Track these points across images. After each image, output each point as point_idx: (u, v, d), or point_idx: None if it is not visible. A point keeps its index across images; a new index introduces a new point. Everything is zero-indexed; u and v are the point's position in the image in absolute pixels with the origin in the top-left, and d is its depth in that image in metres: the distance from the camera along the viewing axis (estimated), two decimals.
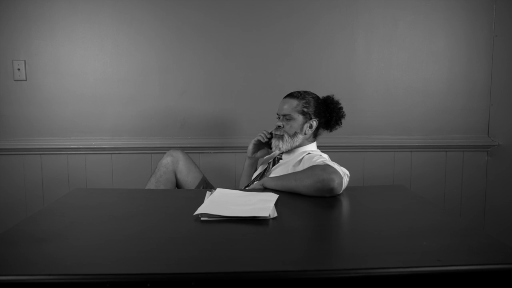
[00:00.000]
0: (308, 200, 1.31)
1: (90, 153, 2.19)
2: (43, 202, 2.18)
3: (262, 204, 1.19)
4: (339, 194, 1.31)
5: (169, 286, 0.74)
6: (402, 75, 2.22)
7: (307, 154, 1.57)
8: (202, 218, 1.07)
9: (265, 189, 1.41)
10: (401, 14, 2.19)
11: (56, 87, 2.15)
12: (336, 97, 1.70)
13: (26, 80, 2.13)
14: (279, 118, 1.67)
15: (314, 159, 1.47)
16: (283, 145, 1.62)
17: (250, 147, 1.76)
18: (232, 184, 2.21)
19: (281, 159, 1.67)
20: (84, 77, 2.15)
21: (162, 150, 2.19)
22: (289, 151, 1.66)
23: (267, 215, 1.06)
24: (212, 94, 2.19)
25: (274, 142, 1.65)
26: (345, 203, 1.26)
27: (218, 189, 1.36)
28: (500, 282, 0.77)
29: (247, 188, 1.54)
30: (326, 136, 2.12)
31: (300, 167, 1.51)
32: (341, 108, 1.69)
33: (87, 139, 2.18)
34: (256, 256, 0.83)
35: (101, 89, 2.16)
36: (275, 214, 1.09)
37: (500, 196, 2.29)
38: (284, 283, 0.75)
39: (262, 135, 1.73)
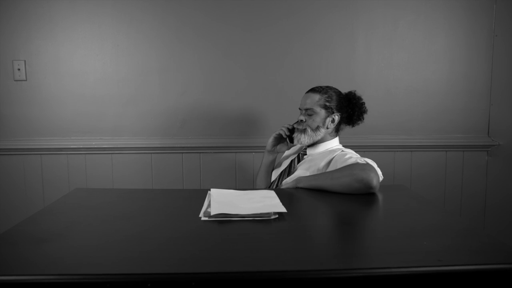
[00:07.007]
0: (308, 200, 1.31)
1: (90, 153, 2.19)
2: (43, 202, 2.18)
3: (270, 201, 1.19)
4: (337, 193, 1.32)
5: (169, 286, 0.74)
6: (402, 75, 2.22)
7: (336, 154, 1.56)
8: (202, 218, 1.07)
9: (297, 188, 1.43)
10: (401, 14, 2.19)
11: (56, 87, 2.15)
12: (358, 93, 1.72)
13: (26, 80, 2.13)
14: (301, 112, 1.67)
15: (346, 157, 1.47)
16: (305, 139, 1.63)
17: (270, 140, 1.76)
18: (233, 184, 2.21)
19: (305, 154, 1.67)
20: (84, 77, 2.15)
21: (162, 150, 2.19)
22: (312, 146, 1.66)
23: (285, 210, 1.10)
24: (212, 94, 2.19)
25: (296, 135, 1.65)
26: (345, 203, 1.26)
27: (213, 190, 1.35)
28: (500, 282, 0.77)
29: (275, 187, 1.53)
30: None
31: (332, 167, 1.51)
32: (363, 103, 1.71)
33: (87, 139, 2.18)
34: (256, 256, 0.83)
35: (101, 89, 2.16)
36: (284, 210, 1.11)
37: (500, 196, 2.29)
38: (284, 283, 0.75)
39: (284, 129, 1.71)
